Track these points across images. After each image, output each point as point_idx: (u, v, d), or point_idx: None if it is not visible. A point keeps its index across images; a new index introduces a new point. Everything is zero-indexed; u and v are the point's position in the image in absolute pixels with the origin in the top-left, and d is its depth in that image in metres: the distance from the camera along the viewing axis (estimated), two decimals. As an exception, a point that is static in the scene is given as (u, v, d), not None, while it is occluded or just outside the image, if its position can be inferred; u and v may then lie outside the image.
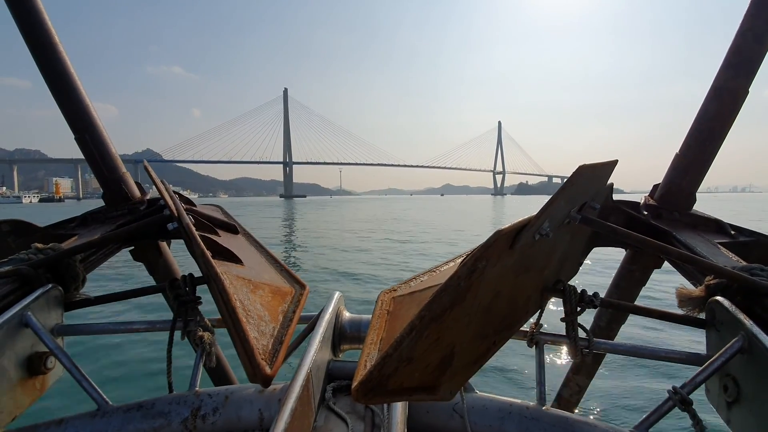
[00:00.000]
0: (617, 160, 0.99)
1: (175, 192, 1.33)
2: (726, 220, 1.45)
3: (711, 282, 1.04)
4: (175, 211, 1.03)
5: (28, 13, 1.41)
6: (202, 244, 0.89)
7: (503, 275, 0.70)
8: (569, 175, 0.73)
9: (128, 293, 1.21)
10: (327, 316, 1.14)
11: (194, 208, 1.41)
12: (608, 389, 4.17)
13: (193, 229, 0.95)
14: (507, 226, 0.60)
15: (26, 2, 1.40)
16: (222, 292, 0.77)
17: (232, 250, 1.05)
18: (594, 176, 0.90)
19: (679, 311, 1.09)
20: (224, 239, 1.19)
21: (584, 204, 0.96)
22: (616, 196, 1.43)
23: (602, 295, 1.44)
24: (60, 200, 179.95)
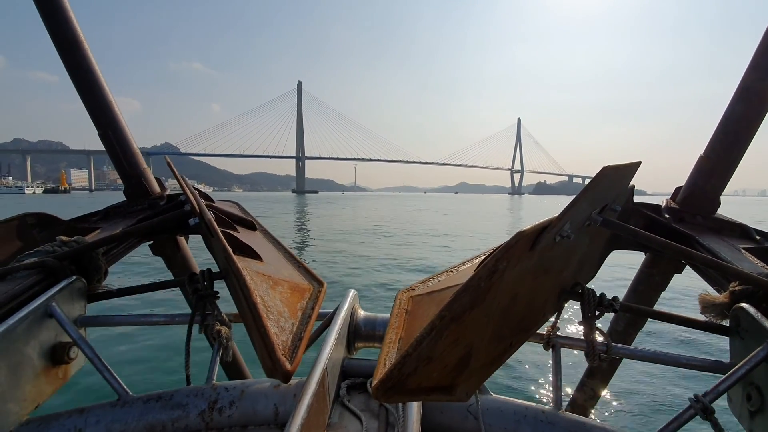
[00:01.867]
0: (640, 162, 0.96)
1: (194, 188, 1.35)
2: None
3: (736, 288, 1.01)
4: (197, 208, 1.04)
5: (54, 10, 1.44)
6: (223, 239, 0.89)
7: (522, 277, 0.70)
8: (591, 175, 0.71)
9: (148, 286, 1.24)
10: (342, 314, 1.15)
11: (213, 204, 1.43)
12: (625, 395, 4.10)
13: (215, 225, 0.96)
14: (528, 227, 0.60)
15: (52, 0, 1.43)
16: (243, 287, 0.77)
17: (252, 246, 1.06)
18: (617, 178, 0.89)
19: (702, 317, 1.06)
20: (243, 235, 1.20)
21: (605, 206, 0.95)
22: (637, 198, 1.40)
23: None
24: (65, 191, 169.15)
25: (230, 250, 0.87)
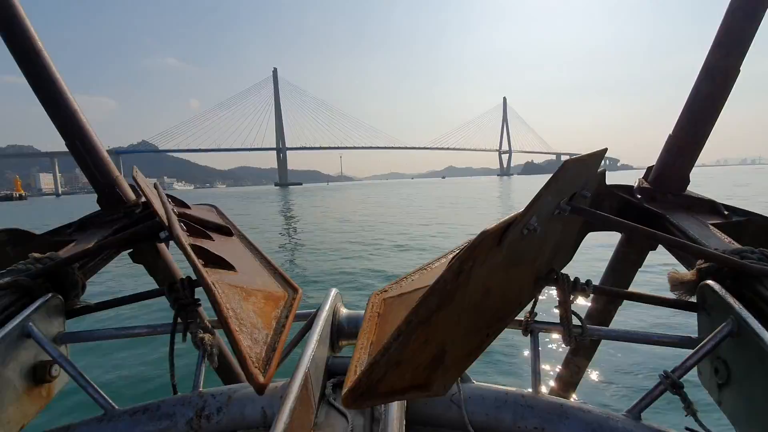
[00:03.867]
0: (606, 149, 1.00)
1: (167, 194, 1.32)
2: None
3: (702, 266, 1.05)
4: (165, 223, 1.02)
5: (10, 21, 1.38)
6: (194, 256, 0.89)
7: (493, 272, 0.70)
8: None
9: (128, 298, 1.22)
10: (324, 314, 1.16)
11: (187, 211, 1.40)
12: (604, 374, 4.22)
13: (184, 241, 0.94)
14: (493, 225, 0.60)
15: (7, 11, 1.37)
16: (214, 303, 0.78)
17: (225, 257, 1.05)
18: (582, 167, 0.90)
19: (672, 295, 1.10)
20: (218, 243, 1.19)
21: (575, 193, 0.97)
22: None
23: (599, 278, 1.43)
24: (21, 198, 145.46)
25: (200, 265, 0.87)
